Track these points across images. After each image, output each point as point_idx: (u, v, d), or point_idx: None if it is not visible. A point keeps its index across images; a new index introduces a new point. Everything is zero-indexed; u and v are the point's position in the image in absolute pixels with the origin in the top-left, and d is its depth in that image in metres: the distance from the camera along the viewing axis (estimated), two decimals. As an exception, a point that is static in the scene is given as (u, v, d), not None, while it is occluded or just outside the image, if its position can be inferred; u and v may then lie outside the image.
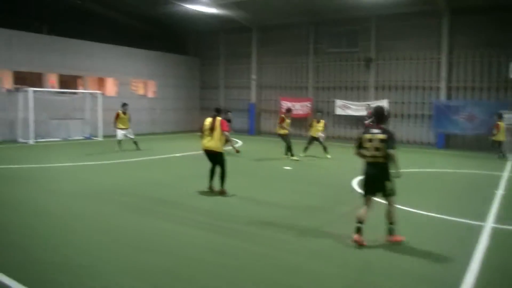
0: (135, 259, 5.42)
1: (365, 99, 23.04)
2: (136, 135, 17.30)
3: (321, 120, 16.34)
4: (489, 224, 7.33)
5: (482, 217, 7.71)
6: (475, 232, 6.78)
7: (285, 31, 25.80)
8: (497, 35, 19.67)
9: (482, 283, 4.90)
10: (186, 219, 7.30)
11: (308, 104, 24.44)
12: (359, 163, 6.52)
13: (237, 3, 23.06)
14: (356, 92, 23.57)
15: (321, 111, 20.37)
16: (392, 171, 6.07)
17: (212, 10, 23.60)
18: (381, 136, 6.04)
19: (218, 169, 9.27)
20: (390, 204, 6.20)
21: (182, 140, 21.91)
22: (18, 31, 19.92)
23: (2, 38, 19.29)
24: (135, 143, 16.73)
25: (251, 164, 14.13)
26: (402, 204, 8.53)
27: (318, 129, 15.95)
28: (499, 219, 7.70)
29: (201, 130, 9.25)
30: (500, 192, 10.07)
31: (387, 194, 6.14)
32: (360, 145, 6.25)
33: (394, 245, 6.06)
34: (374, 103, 20.72)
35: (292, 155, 15.18)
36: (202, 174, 9.68)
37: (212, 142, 9.02)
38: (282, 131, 15.35)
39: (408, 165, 14.30)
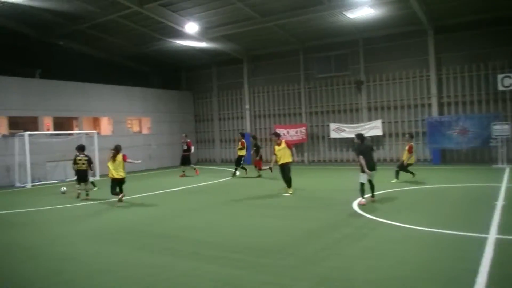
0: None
1: (359, 121, 23.26)
2: (133, 172, 17.13)
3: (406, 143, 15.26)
4: (493, 235, 7.32)
5: (485, 229, 7.70)
6: (480, 245, 6.75)
7: (275, 59, 26.24)
8: (482, 49, 20.13)
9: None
10: (190, 253, 7.23)
11: (303, 129, 24.60)
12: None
13: (227, 36, 23.51)
14: (349, 114, 23.79)
15: (410, 133, 17.44)
16: None
17: (202, 45, 24.01)
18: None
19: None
20: None
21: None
22: (10, 77, 20.10)
23: (-5, 85, 19.50)
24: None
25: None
26: (404, 222, 8.52)
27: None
28: (502, 229, 7.69)
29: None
30: (500, 203, 10.08)
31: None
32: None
33: (400, 263, 6.03)
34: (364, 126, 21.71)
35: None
36: (196, 208, 9.60)
37: None
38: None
39: (406, 183, 14.33)
